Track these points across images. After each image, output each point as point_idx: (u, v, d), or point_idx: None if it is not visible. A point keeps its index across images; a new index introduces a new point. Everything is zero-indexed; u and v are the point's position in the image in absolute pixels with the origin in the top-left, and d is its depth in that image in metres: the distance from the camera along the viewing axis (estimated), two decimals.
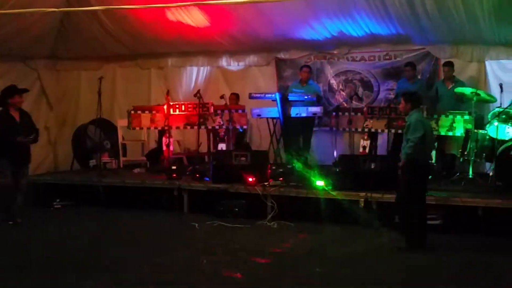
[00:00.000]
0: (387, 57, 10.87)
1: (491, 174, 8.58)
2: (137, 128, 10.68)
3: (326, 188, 8.47)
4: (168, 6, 9.58)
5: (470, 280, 5.87)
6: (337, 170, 8.69)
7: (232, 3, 8.87)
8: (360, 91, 11.05)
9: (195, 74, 12.20)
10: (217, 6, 9.38)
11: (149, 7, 9.64)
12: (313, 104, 10.29)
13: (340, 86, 11.24)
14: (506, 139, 8.50)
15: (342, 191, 8.32)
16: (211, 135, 10.79)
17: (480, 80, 10.16)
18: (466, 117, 9.08)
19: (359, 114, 9.91)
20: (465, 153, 8.88)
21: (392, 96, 10.47)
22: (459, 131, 9.14)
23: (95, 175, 10.13)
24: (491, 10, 8.74)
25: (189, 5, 9.27)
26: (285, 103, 10.18)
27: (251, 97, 10.44)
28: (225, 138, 10.48)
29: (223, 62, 11.99)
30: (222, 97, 10.42)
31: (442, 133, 9.29)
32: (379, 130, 9.74)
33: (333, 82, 11.29)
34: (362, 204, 8.11)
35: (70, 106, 12.72)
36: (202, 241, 7.45)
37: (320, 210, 8.40)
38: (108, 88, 11.81)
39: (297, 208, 8.50)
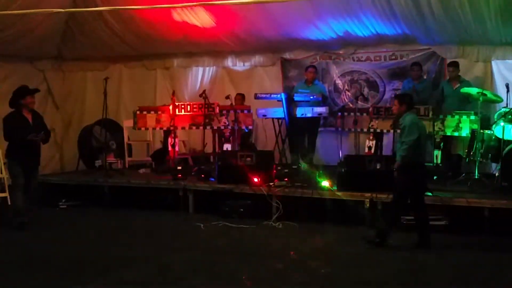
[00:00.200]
0: (393, 57, 10.86)
1: (497, 174, 8.56)
2: (143, 129, 10.70)
3: (332, 189, 8.48)
4: (174, 7, 9.62)
5: (475, 280, 5.85)
6: (343, 170, 8.67)
7: (237, 3, 8.88)
8: (366, 91, 11.04)
9: (200, 75, 12.22)
10: (223, 6, 9.42)
11: (155, 8, 9.69)
12: (318, 104, 10.29)
13: (346, 86, 11.24)
14: None
15: (347, 191, 8.31)
16: (216, 135, 10.80)
17: (486, 80, 10.14)
18: (472, 117, 9.07)
19: (364, 114, 9.89)
20: (471, 153, 8.86)
21: None
22: (465, 132, 9.12)
23: (101, 175, 10.15)
24: (498, 9, 8.73)
25: (195, 5, 9.31)
26: (291, 104, 10.18)
27: (256, 97, 10.44)
28: (231, 138, 10.49)
29: (229, 62, 12.01)
30: (227, 97, 10.44)
31: (448, 134, 9.28)
32: (385, 131, 9.73)
33: (339, 82, 11.29)
34: (368, 205, 8.09)
35: (76, 106, 12.78)
36: (207, 241, 7.45)
37: (325, 210, 8.42)
38: (114, 89, 11.85)
39: (302, 209, 8.49)
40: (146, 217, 8.95)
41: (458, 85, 9.71)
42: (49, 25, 10.85)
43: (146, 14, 10.29)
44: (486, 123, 9.09)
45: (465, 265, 6.37)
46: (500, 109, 9.00)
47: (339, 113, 10.23)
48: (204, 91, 10.29)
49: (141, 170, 10.89)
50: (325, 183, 8.58)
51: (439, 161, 9.25)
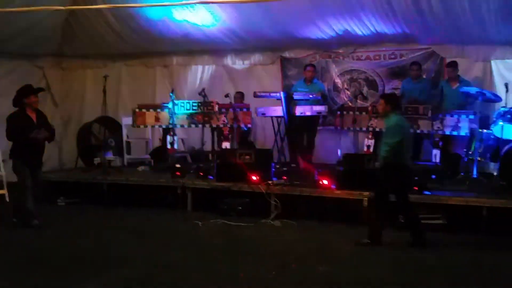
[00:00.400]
0: (393, 56, 10.86)
1: (495, 173, 8.56)
2: (142, 126, 10.68)
3: (330, 187, 8.48)
4: (174, 4, 9.62)
5: (473, 280, 5.84)
6: (341, 169, 8.67)
7: (237, 2, 8.89)
8: (365, 90, 11.05)
9: (200, 73, 12.23)
10: (223, 4, 9.42)
11: (155, 5, 9.69)
12: (317, 103, 10.30)
13: (345, 85, 11.24)
14: (511, 138, 8.47)
15: (346, 190, 8.31)
16: (215, 133, 10.80)
17: (485, 80, 10.15)
18: (471, 116, 9.07)
19: (363, 113, 9.89)
20: (470, 152, 8.87)
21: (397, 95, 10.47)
22: (464, 131, 9.13)
23: (100, 173, 10.16)
24: (497, 9, 8.74)
25: (194, 2, 9.31)
26: (290, 102, 10.21)
27: (256, 96, 10.45)
28: (229, 136, 10.47)
29: (228, 60, 12.01)
30: (227, 95, 10.43)
31: (447, 133, 9.29)
32: (384, 129, 9.71)
33: (338, 81, 11.29)
34: (366, 203, 8.09)
35: (75, 104, 12.78)
36: (205, 239, 7.45)
37: (323, 209, 8.42)
38: (113, 86, 11.86)
39: (301, 207, 8.50)
40: (144, 214, 8.94)
41: (457, 84, 9.71)
42: (49, 23, 10.86)
43: (146, 12, 10.31)
44: (485, 122, 9.10)
45: (463, 265, 6.37)
46: (499, 109, 8.99)
47: (338, 112, 10.24)
48: (203, 89, 10.31)
49: (140, 168, 10.90)
50: (324, 182, 8.56)
51: (438, 160, 9.24)
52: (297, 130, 10.42)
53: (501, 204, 7.59)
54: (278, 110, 10.25)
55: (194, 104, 10.40)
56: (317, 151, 10.81)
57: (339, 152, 9.88)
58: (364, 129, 9.91)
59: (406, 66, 10.54)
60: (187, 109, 10.42)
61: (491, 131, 8.75)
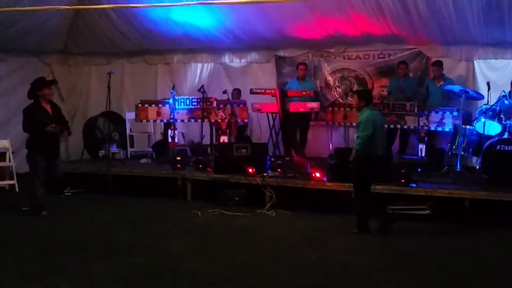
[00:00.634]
0: (381, 56, 10.85)
1: (477, 167, 8.60)
2: (144, 121, 10.71)
3: (322, 179, 8.50)
4: (175, 5, 9.60)
5: (456, 266, 5.89)
6: (333, 162, 8.69)
7: (235, 3, 8.87)
8: (355, 87, 11.01)
9: (199, 70, 12.19)
10: (221, 5, 9.40)
11: (157, 6, 9.67)
12: (310, 99, 10.31)
13: (336, 83, 11.23)
14: (492, 134, 8.51)
15: (337, 182, 8.33)
16: (213, 128, 10.80)
17: (468, 79, 10.16)
18: (455, 113, 9.11)
19: (354, 109, 9.89)
20: (453, 147, 8.91)
21: (385, 93, 10.48)
22: (448, 127, 9.18)
23: (104, 164, 10.14)
24: (480, 12, 8.76)
25: (194, 3, 9.28)
26: (284, 99, 10.22)
27: (252, 92, 10.46)
28: (227, 131, 10.49)
29: (226, 59, 11.98)
30: (224, 92, 10.43)
31: (432, 129, 9.34)
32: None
33: (330, 79, 11.28)
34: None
35: (81, 99, 12.75)
36: (204, 228, 7.47)
37: (316, 200, 8.44)
38: (117, 83, 11.83)
39: (294, 198, 8.52)
40: (147, 204, 8.94)
41: (441, 83, 9.74)
42: (56, 22, 10.82)
43: (148, 12, 10.29)
44: (468, 119, 9.14)
45: (447, 252, 6.40)
46: (481, 106, 9.02)
47: (330, 108, 10.26)
48: (202, 86, 10.30)
49: (143, 160, 10.89)
50: (316, 174, 8.58)
51: (423, 154, 9.27)
52: (291, 125, 10.44)
53: (483, 196, 7.62)
54: (273, 106, 10.26)
55: (194, 100, 10.43)
56: (310, 145, 10.82)
57: (330, 146, 9.91)
58: (354, 124, 9.83)
59: (394, 65, 10.53)
60: (187, 105, 10.46)
61: (473, 127, 8.79)
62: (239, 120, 10.47)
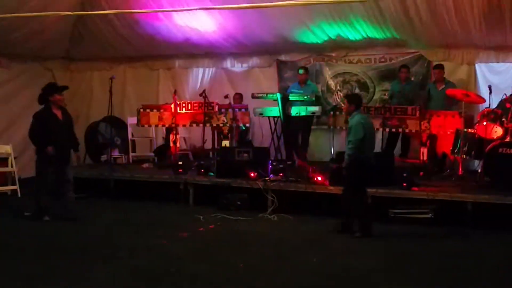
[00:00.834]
0: (383, 60, 10.87)
1: (479, 170, 8.60)
2: (146, 126, 10.74)
3: (324, 183, 8.50)
4: (176, 10, 9.66)
5: (458, 269, 5.89)
6: (334, 166, 8.69)
7: (236, 8, 8.91)
8: (357, 92, 11.06)
9: (201, 75, 12.23)
10: (222, 10, 9.45)
11: (158, 11, 9.72)
12: (312, 103, 10.32)
13: (338, 87, 11.25)
14: (494, 137, 8.51)
15: (338, 185, 8.31)
16: (215, 132, 10.82)
17: (470, 82, 10.17)
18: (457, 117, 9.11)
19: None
20: (455, 151, 8.90)
21: (386, 97, 10.49)
22: (449, 130, 9.16)
23: (106, 169, 10.15)
24: (481, 15, 8.77)
25: (196, 9, 9.33)
26: (286, 103, 10.25)
27: (253, 97, 10.48)
28: (229, 135, 10.51)
29: (228, 63, 12.01)
30: (226, 96, 10.46)
31: (434, 132, 9.32)
32: (374, 129, 9.74)
33: (331, 83, 11.30)
34: None
35: (83, 104, 12.76)
36: (206, 232, 7.47)
37: (317, 203, 8.45)
38: (119, 88, 11.83)
39: (296, 202, 8.52)
40: (149, 209, 8.96)
41: (443, 86, 9.75)
42: (58, 27, 10.87)
43: (150, 17, 10.33)
44: (469, 122, 9.14)
45: (449, 255, 6.40)
46: (483, 109, 9.02)
47: (331, 112, 10.28)
48: (204, 91, 10.31)
49: (144, 165, 10.89)
50: (318, 178, 8.59)
51: (425, 158, 9.27)
52: (293, 130, 10.46)
53: (485, 199, 7.63)
54: (275, 111, 10.28)
55: (195, 104, 10.44)
56: (311, 149, 10.84)
57: (332, 150, 9.92)
58: None
59: (395, 69, 10.55)
60: (188, 110, 10.47)
61: (475, 131, 8.79)
62: (240, 124, 10.48)
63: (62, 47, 11.83)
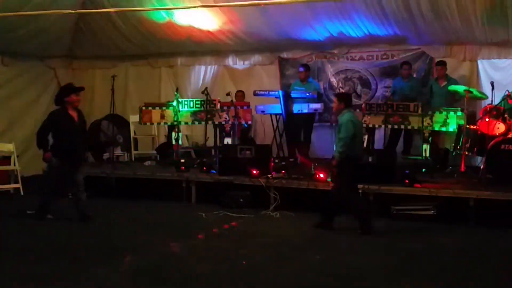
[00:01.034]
0: (385, 57, 10.85)
1: (482, 167, 8.57)
2: (148, 123, 10.71)
3: (326, 180, 8.47)
4: (178, 8, 9.64)
5: (461, 266, 5.87)
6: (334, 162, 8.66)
7: (237, 6, 8.88)
8: (359, 88, 11.05)
9: (203, 73, 12.22)
10: (224, 8, 9.42)
11: (160, 9, 9.69)
12: (314, 101, 10.29)
13: (340, 84, 11.23)
14: (496, 134, 8.48)
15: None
16: (217, 130, 10.80)
17: (472, 78, 10.15)
18: (459, 113, 9.06)
19: (357, 110, 9.86)
20: (458, 147, 8.88)
21: (388, 93, 10.46)
22: (452, 127, 9.13)
23: (108, 167, 10.14)
24: (483, 11, 8.74)
25: (197, 7, 9.31)
26: (288, 100, 10.23)
27: (255, 94, 10.46)
28: (231, 133, 10.50)
29: (230, 61, 12.00)
30: (228, 94, 10.42)
31: (436, 129, 9.28)
32: (376, 126, 9.72)
33: (333, 80, 11.28)
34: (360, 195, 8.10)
35: (85, 102, 12.57)
36: (208, 230, 7.46)
37: (320, 201, 8.40)
38: (121, 86, 11.84)
39: (299, 199, 8.50)
40: (151, 207, 8.93)
41: (445, 83, 9.72)
42: (60, 26, 10.86)
43: (152, 15, 10.32)
44: (472, 118, 9.11)
45: (452, 252, 6.39)
46: (485, 106, 8.99)
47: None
48: (206, 88, 10.30)
49: (147, 163, 10.88)
50: (320, 175, 8.57)
51: (427, 155, 9.25)
52: (295, 127, 10.44)
53: (487, 195, 7.61)
54: (277, 108, 10.26)
55: (198, 102, 10.43)
56: (314, 146, 10.82)
57: (334, 147, 9.87)
58: None
59: (397, 66, 10.52)
60: (190, 107, 10.45)
61: (477, 127, 8.75)
62: (242, 122, 10.45)
63: (64, 45, 11.83)
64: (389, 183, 8.14)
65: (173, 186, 9.38)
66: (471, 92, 8.92)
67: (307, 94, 10.24)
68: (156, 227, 7.63)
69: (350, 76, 11.14)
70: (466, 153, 8.73)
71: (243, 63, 11.93)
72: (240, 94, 11.18)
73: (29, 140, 11.38)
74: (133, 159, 11.50)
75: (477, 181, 8.25)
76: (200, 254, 6.32)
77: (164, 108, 10.44)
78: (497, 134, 8.45)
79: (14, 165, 10.04)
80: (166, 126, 11.12)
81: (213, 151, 10.77)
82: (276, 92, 10.30)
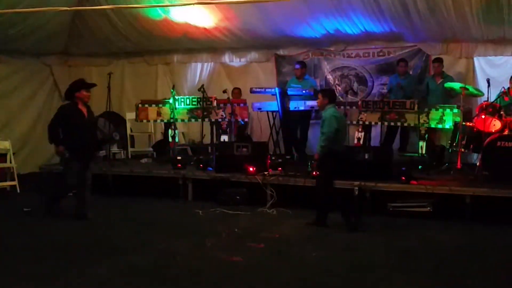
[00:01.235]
0: (381, 54, 10.85)
1: (478, 164, 8.58)
2: (145, 121, 10.68)
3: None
4: (174, 5, 9.60)
5: (458, 263, 5.87)
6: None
7: (234, 3, 8.86)
8: (355, 86, 11.04)
9: (199, 70, 12.20)
10: (220, 5, 9.39)
11: (156, 6, 9.66)
12: (310, 98, 10.26)
13: (336, 81, 11.22)
14: (492, 131, 8.48)
15: (337, 180, 8.29)
16: (214, 127, 10.78)
17: (468, 75, 10.15)
18: (455, 110, 9.08)
19: (354, 107, 9.95)
20: (454, 144, 8.88)
21: (385, 90, 10.46)
22: (448, 124, 9.14)
23: (105, 165, 10.11)
24: (479, 8, 8.73)
25: (193, 4, 9.28)
26: (284, 97, 10.21)
27: (252, 91, 10.44)
28: (228, 130, 10.48)
29: (226, 58, 11.97)
30: (224, 91, 10.40)
31: (432, 126, 9.29)
32: (373, 123, 9.73)
33: (330, 77, 11.27)
34: (356, 192, 8.11)
35: None
36: (205, 227, 7.44)
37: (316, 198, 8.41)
38: (117, 83, 11.82)
39: (295, 196, 8.49)
40: (147, 204, 8.91)
41: (441, 80, 9.73)
42: (56, 23, 10.81)
43: (148, 12, 10.28)
44: (468, 115, 9.11)
45: (449, 249, 6.39)
46: (481, 103, 8.99)
47: None
48: (202, 86, 10.29)
49: (143, 160, 10.86)
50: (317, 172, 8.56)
51: (423, 152, 9.25)
52: (291, 124, 10.42)
53: (483, 192, 7.62)
54: (273, 105, 10.25)
55: (194, 99, 10.42)
56: (310, 143, 10.80)
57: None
58: (354, 122, 9.92)
59: (393, 63, 10.52)
60: (187, 104, 10.43)
61: (473, 124, 8.76)
62: (239, 119, 10.45)
63: (60, 42, 11.78)
64: (386, 180, 8.15)
65: (169, 184, 9.36)
66: (467, 89, 8.93)
67: (304, 91, 10.23)
68: (153, 225, 7.59)
69: (347, 73, 11.13)
70: (462, 150, 8.74)
71: (240, 60, 11.90)
72: (237, 91, 11.17)
73: (25, 137, 11.38)
74: (129, 156, 11.48)
75: (473, 178, 8.27)
76: (197, 251, 6.29)
77: (160, 105, 10.43)
78: (493, 131, 8.46)
79: (10, 162, 9.99)
80: (162, 123, 11.09)
81: (209, 148, 10.76)
82: (273, 89, 10.28)
